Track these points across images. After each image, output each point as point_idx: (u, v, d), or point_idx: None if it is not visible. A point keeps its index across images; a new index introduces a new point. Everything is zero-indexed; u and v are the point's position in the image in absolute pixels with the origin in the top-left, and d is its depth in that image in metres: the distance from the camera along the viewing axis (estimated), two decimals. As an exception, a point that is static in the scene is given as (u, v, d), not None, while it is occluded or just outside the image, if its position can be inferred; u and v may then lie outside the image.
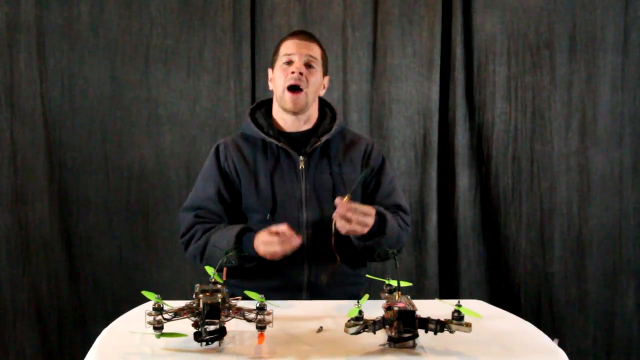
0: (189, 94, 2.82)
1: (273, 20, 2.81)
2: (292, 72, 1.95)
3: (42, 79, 2.75)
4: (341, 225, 1.75)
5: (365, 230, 1.78)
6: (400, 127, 2.86)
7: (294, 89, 1.96)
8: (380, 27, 2.85)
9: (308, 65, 1.98)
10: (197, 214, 1.98)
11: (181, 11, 2.79)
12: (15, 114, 2.75)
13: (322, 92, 2.06)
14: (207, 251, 1.91)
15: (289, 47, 1.99)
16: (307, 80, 1.96)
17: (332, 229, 1.82)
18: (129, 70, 2.79)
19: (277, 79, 2.00)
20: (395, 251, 1.61)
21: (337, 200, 1.74)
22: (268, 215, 1.93)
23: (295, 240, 1.76)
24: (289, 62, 1.98)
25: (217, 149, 2.04)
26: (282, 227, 1.77)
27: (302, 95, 1.96)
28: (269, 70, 2.07)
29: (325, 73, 2.06)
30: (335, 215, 1.74)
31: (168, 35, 2.79)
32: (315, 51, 2.01)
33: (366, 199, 2.01)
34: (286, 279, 1.92)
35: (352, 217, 1.74)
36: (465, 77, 2.88)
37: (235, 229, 1.88)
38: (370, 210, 1.79)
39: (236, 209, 2.01)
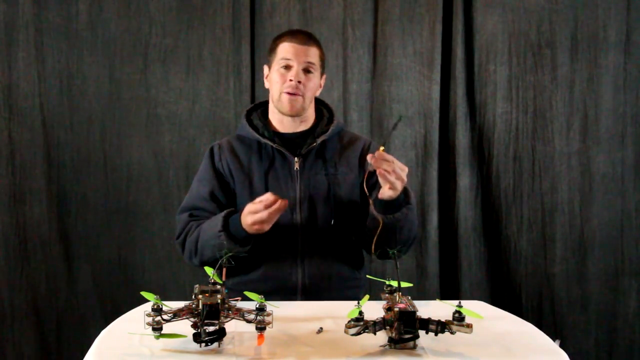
0: (188, 93, 2.81)
1: (273, 19, 2.80)
2: (290, 80, 1.93)
3: (41, 78, 2.74)
4: (382, 175, 1.66)
5: (400, 186, 1.71)
6: (400, 126, 2.85)
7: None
8: (381, 26, 2.84)
9: (306, 71, 1.94)
10: (191, 214, 1.97)
11: (180, 10, 2.79)
12: (13, 113, 2.74)
13: (318, 92, 2.04)
14: (199, 242, 1.88)
15: (287, 51, 1.94)
16: (305, 86, 1.94)
17: (363, 182, 1.82)
18: (128, 70, 2.79)
19: (274, 82, 1.97)
20: (396, 251, 1.60)
21: (370, 157, 1.64)
22: None
23: (282, 203, 1.71)
24: (287, 67, 1.94)
25: (211, 150, 2.04)
26: (266, 195, 1.73)
27: (299, 98, 1.94)
28: (265, 67, 2.05)
29: (322, 73, 2.02)
30: (370, 168, 1.66)
31: (167, 34, 2.79)
32: (314, 55, 1.96)
33: (366, 200, 1.98)
34: (280, 281, 1.90)
35: (388, 168, 1.65)
36: (466, 77, 2.87)
37: (222, 213, 1.86)
38: (404, 166, 1.71)
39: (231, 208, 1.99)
